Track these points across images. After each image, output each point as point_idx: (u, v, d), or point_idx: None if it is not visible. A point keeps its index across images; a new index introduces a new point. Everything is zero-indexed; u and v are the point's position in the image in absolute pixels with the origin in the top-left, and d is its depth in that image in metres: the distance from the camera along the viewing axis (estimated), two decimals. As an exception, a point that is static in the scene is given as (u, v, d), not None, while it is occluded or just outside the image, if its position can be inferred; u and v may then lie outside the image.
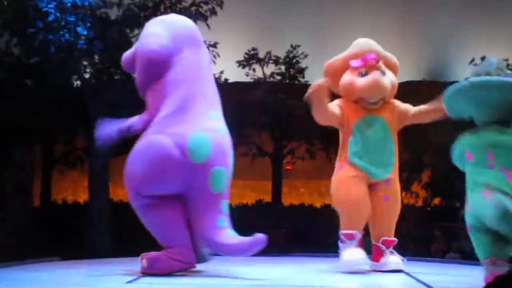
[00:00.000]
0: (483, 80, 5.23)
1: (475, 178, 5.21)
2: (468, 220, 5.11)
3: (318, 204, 23.41)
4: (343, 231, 6.51)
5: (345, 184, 6.57)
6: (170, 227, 5.59)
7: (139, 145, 5.64)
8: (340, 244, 6.50)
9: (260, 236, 5.40)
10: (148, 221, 5.63)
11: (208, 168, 5.49)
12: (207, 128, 5.59)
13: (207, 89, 5.92)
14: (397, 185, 6.62)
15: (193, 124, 5.55)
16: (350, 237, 6.38)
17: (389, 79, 6.59)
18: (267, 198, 22.21)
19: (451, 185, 19.08)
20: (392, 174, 6.56)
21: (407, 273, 6.53)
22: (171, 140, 5.42)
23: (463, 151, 5.31)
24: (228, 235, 5.54)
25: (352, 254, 6.27)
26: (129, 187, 5.66)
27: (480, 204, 4.92)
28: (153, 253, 5.62)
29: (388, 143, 6.58)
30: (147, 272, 5.52)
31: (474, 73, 5.40)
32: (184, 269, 5.62)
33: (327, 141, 19.52)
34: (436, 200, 19.72)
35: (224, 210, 5.64)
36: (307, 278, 6.09)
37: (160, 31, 5.97)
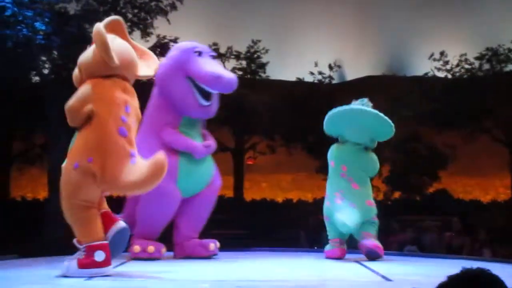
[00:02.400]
0: (354, 108, 7.70)
1: (332, 183, 7.71)
2: (325, 213, 7.70)
3: (279, 199, 23.52)
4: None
5: None
6: None
7: None
8: None
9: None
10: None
11: None
12: None
13: None
14: (62, 175, 5.69)
15: None
16: None
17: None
18: (229, 193, 22.22)
19: (410, 179, 19.37)
20: (64, 163, 5.74)
21: (365, 266, 6.62)
22: None
23: (329, 159, 7.77)
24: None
25: None
26: None
27: (334, 207, 7.46)
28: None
29: None
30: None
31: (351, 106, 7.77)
32: None
33: (288, 136, 19.64)
34: (396, 194, 19.94)
35: None
36: (270, 273, 6.13)
37: None
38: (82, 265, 5.32)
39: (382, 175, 19.08)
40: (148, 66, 6.40)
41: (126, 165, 5.38)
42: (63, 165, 5.63)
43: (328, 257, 7.61)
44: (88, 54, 5.83)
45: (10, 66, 14.51)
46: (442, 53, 19.68)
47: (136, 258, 6.86)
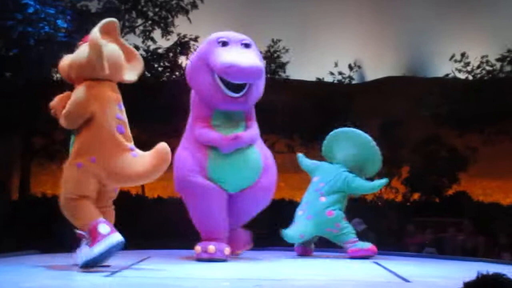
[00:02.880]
0: (354, 130, 8.18)
1: (308, 194, 8.13)
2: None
3: (298, 199, 23.48)
4: None
5: None
6: None
7: None
8: None
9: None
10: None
11: None
12: None
13: None
14: (64, 173, 6.03)
15: None
16: None
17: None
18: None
19: (430, 180, 19.25)
20: (65, 162, 6.15)
21: (383, 267, 6.61)
22: None
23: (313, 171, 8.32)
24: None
25: None
26: None
27: (295, 218, 7.99)
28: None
29: None
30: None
31: None
32: None
33: (307, 136, 19.60)
34: (416, 195, 19.83)
35: None
36: (289, 272, 6.15)
37: None
38: (94, 243, 5.49)
39: (401, 176, 19.00)
40: (133, 71, 6.51)
41: (128, 159, 5.75)
42: (65, 165, 5.89)
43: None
44: (81, 55, 6.10)
45: (32, 63, 14.63)
46: (463, 54, 19.52)
47: (199, 259, 6.68)
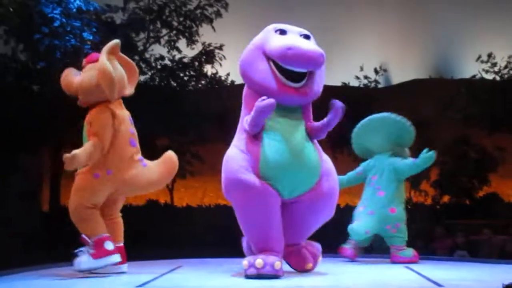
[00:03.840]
0: (368, 119, 8.34)
1: (366, 190, 8.16)
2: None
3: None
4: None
5: None
6: None
7: None
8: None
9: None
10: None
11: None
12: None
13: None
14: (78, 180, 6.27)
15: None
16: None
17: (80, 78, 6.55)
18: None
19: (460, 182, 19.09)
20: (79, 169, 6.35)
21: (415, 271, 6.55)
22: None
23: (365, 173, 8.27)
24: None
25: None
26: None
27: (356, 214, 8.07)
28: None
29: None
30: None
31: None
32: None
33: (333, 140, 19.53)
34: (445, 198, 19.67)
35: None
36: (317, 278, 6.11)
37: None
38: (97, 257, 5.94)
39: (430, 178, 18.87)
40: (132, 84, 6.83)
41: (140, 169, 6.30)
42: (81, 173, 6.18)
43: (339, 253, 8.19)
44: (91, 80, 6.36)
45: (59, 76, 14.77)
46: (489, 55, 19.36)
47: (247, 276, 5.76)
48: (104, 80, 6.15)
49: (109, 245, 6.02)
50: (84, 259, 6.01)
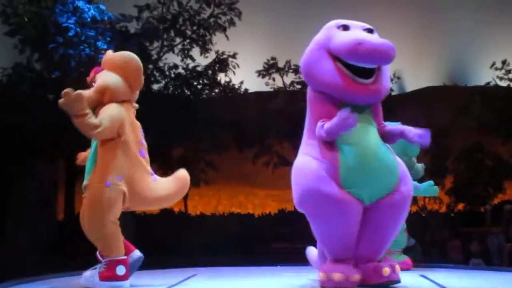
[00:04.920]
0: None
1: None
2: None
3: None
4: None
5: None
6: None
7: None
8: None
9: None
10: None
11: None
12: None
13: None
14: (91, 193, 5.75)
15: None
16: None
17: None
18: (290, 207, 22.14)
19: (474, 190, 19.02)
20: (88, 181, 5.90)
21: (430, 279, 6.51)
22: None
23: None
24: None
25: None
26: None
27: None
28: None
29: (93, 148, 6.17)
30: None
31: None
32: None
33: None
34: (460, 205, 19.61)
35: None
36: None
37: None
38: (103, 278, 5.57)
39: (445, 186, 18.82)
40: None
41: (150, 182, 5.92)
42: (88, 183, 5.87)
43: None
44: (117, 79, 6.18)
45: (74, 86, 14.86)
46: (504, 62, 19.32)
47: None
48: (135, 72, 6.07)
49: (121, 270, 5.64)
50: (90, 275, 5.91)
